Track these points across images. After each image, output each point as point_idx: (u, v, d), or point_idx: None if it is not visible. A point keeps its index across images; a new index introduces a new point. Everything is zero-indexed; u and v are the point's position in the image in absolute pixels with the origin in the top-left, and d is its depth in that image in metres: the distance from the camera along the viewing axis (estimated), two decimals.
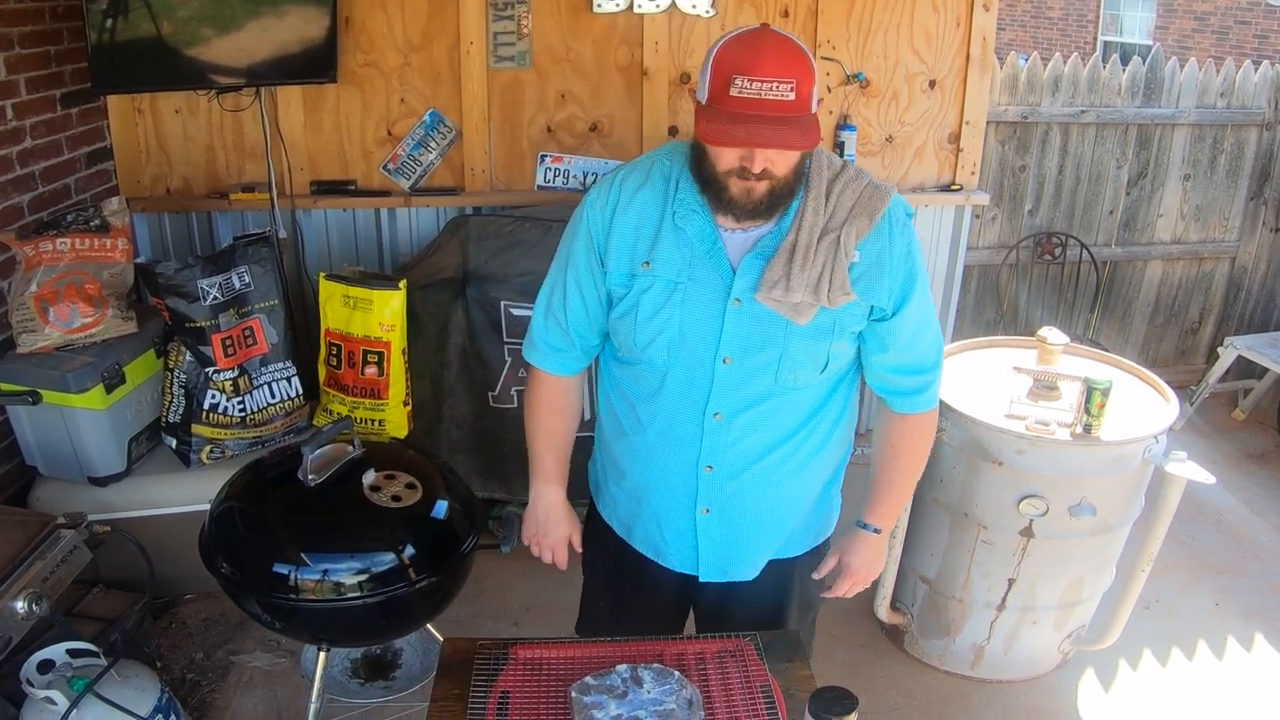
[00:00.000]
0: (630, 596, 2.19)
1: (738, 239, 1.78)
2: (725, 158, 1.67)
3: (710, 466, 1.91)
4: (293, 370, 3.39)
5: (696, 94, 1.70)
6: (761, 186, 1.68)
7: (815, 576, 2.12)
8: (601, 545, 2.19)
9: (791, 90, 1.59)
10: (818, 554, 2.14)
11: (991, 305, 5.00)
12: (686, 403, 1.87)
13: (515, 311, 3.39)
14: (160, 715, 2.45)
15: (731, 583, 2.06)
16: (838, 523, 2.18)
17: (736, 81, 1.59)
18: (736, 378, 1.83)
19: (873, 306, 1.82)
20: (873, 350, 1.90)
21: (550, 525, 2.13)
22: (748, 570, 2.05)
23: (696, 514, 1.97)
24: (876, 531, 2.07)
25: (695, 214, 1.78)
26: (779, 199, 1.72)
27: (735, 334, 1.80)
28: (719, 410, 1.85)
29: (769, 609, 2.11)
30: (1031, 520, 2.88)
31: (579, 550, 2.18)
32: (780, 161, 1.66)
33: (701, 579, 2.04)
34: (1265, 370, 4.84)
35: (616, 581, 2.21)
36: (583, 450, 2.22)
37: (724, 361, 1.81)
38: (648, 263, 1.81)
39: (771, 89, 1.59)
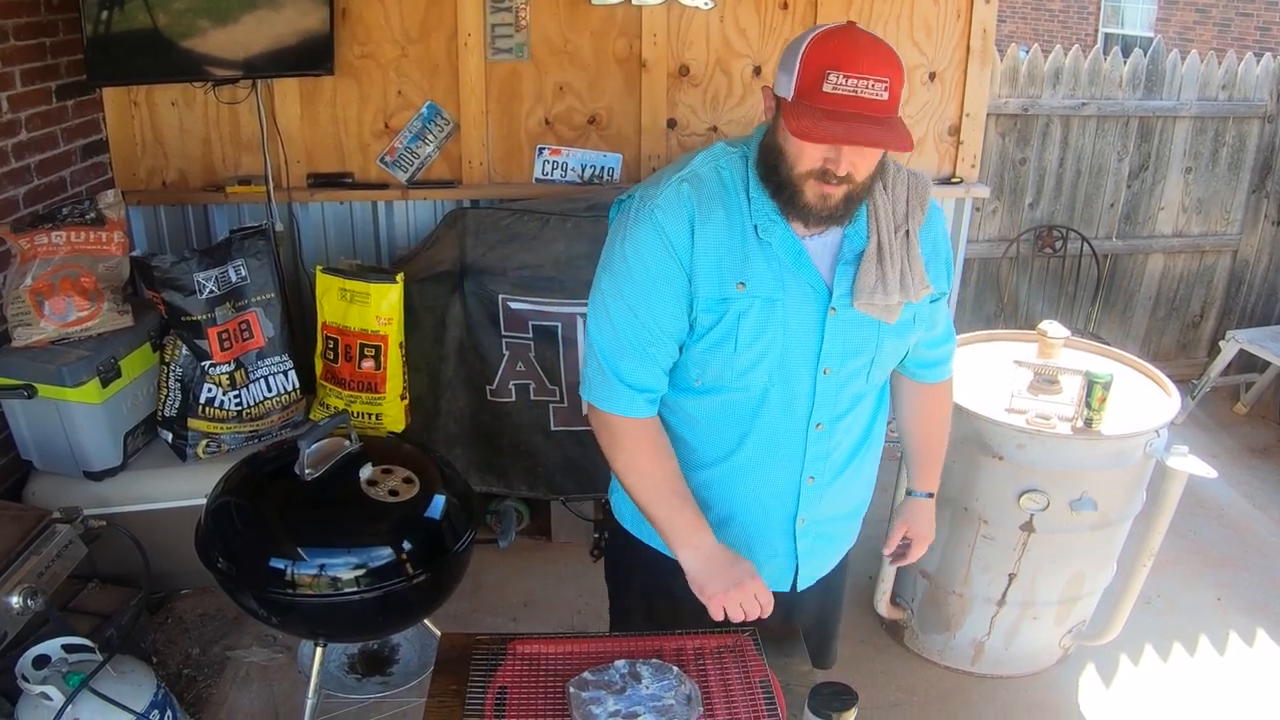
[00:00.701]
0: (675, 614, 2.00)
1: (816, 245, 1.72)
2: (807, 158, 1.59)
3: (813, 478, 1.89)
4: (289, 364, 3.37)
5: (776, 90, 1.62)
6: (839, 192, 1.61)
7: (886, 552, 2.16)
8: (645, 573, 2.04)
9: (886, 90, 1.53)
10: (847, 559, 2.17)
11: (992, 298, 4.99)
12: (789, 419, 1.81)
13: (513, 305, 3.37)
14: (156, 711, 2.45)
15: (789, 598, 2.02)
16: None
17: (831, 77, 1.52)
18: (836, 386, 1.80)
19: (935, 293, 1.84)
20: (921, 330, 1.91)
21: (737, 571, 1.78)
22: (830, 566, 2.08)
23: (795, 527, 1.94)
24: (930, 496, 2.14)
25: (776, 224, 1.69)
26: (854, 205, 1.66)
27: (834, 344, 1.75)
28: (821, 421, 1.82)
29: (822, 617, 2.15)
30: (1032, 515, 2.87)
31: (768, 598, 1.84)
32: (862, 165, 1.60)
33: (800, 589, 2.03)
34: (1267, 364, 4.84)
35: (663, 609, 2.05)
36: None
37: (824, 372, 1.77)
38: (743, 284, 1.69)
39: (868, 87, 1.52)
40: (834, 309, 1.72)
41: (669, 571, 1.88)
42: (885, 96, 1.52)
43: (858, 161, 1.58)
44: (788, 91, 1.57)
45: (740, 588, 1.76)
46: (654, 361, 1.77)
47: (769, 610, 1.78)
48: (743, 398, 1.79)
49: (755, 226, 1.69)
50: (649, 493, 1.82)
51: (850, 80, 1.51)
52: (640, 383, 1.78)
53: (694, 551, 1.79)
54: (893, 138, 1.53)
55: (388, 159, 3.94)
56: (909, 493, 2.16)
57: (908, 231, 1.74)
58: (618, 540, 2.11)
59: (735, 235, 1.69)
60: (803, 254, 1.70)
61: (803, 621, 2.06)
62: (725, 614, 1.76)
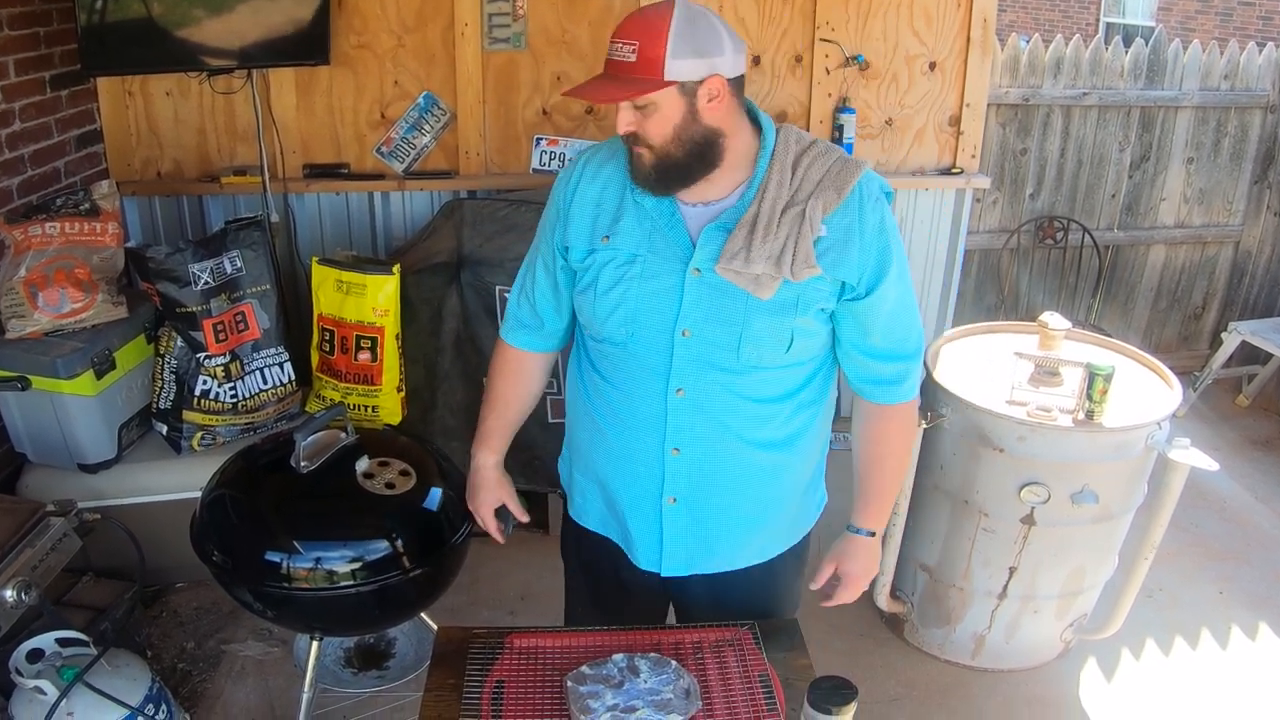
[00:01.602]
0: (610, 596, 2.16)
1: (698, 212, 1.78)
2: (618, 127, 1.73)
3: (677, 449, 1.87)
4: (285, 356, 3.36)
5: None
6: (646, 154, 1.71)
7: (813, 587, 2.07)
8: (577, 544, 2.17)
9: (634, 52, 1.64)
10: (798, 551, 2.10)
11: (992, 290, 4.99)
12: (648, 378, 1.84)
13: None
14: (151, 705, 2.44)
15: (715, 583, 2.02)
16: (823, 517, 2.14)
17: (609, 45, 1.70)
18: (697, 351, 1.80)
19: (844, 284, 1.77)
20: (849, 333, 1.85)
21: (475, 490, 2.14)
22: (715, 564, 2.00)
23: (663, 503, 1.93)
24: (871, 535, 2.02)
25: None
26: (669, 170, 1.72)
27: (694, 306, 1.77)
28: (681, 386, 1.82)
29: (753, 609, 2.05)
30: (1033, 508, 2.86)
31: (522, 519, 2.16)
32: (649, 128, 1.69)
33: (663, 574, 2.00)
34: (1269, 356, 4.83)
35: (595, 581, 2.19)
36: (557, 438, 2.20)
37: (683, 334, 1.79)
38: (608, 237, 1.82)
39: (618, 49, 1.66)
40: (697, 270, 1.76)
41: (608, 554, 2.07)
42: (633, 58, 1.65)
43: (637, 122, 1.69)
44: None
45: (470, 504, 2.16)
46: (531, 301, 2.01)
47: (494, 536, 2.15)
48: (611, 349, 1.88)
49: (632, 189, 1.80)
50: (483, 402, 2.13)
51: (612, 45, 1.68)
52: (520, 318, 2.05)
53: (473, 459, 2.14)
54: (609, 90, 1.67)
55: (384, 149, 3.94)
56: (847, 526, 2.04)
57: (804, 210, 1.74)
58: (567, 516, 2.19)
59: (613, 195, 1.84)
60: (675, 215, 1.78)
61: (728, 615, 2.02)
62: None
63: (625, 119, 1.69)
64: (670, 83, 1.64)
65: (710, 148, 1.72)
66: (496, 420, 2.11)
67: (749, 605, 2.04)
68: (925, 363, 3.05)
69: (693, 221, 1.78)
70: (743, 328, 1.77)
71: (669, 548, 1.97)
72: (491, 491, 2.13)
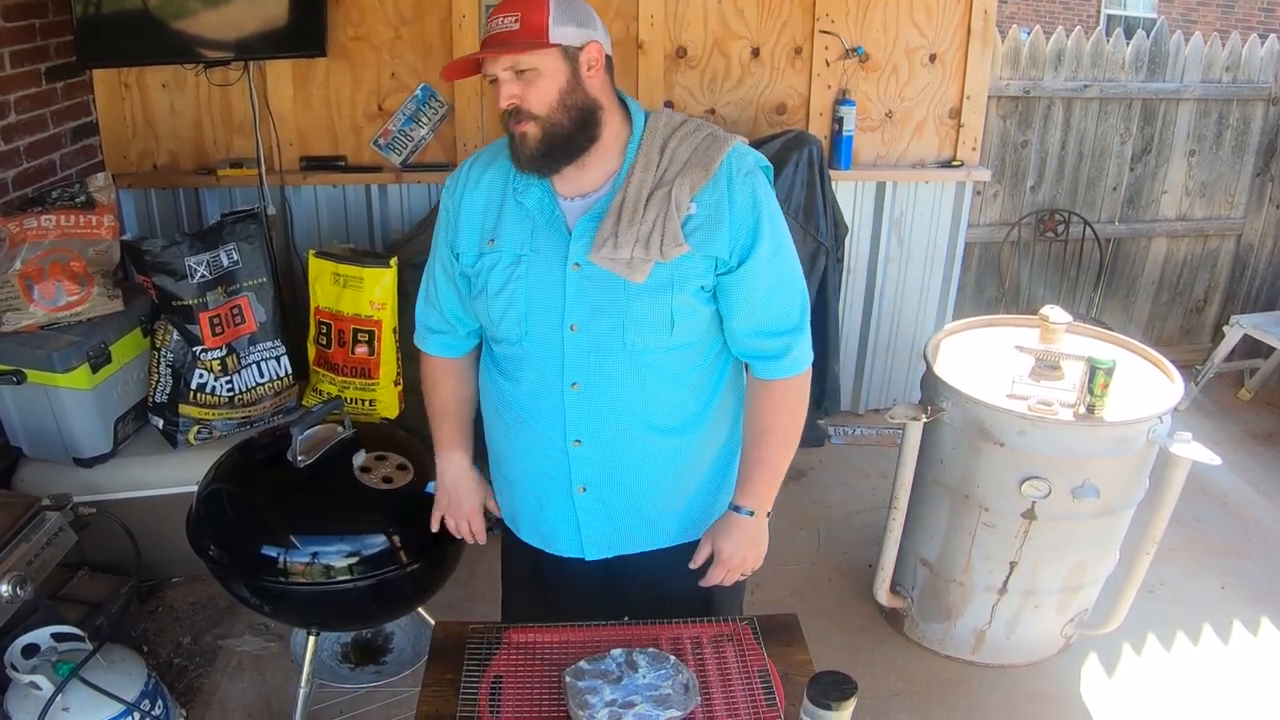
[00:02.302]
0: (545, 584, 2.16)
1: (577, 206, 1.81)
2: (498, 106, 1.73)
3: (578, 441, 1.90)
4: (281, 349, 3.36)
5: None
6: (529, 129, 1.71)
7: (691, 566, 1.98)
8: (512, 550, 2.19)
9: (516, 21, 1.67)
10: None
11: (993, 283, 4.97)
12: (545, 375, 1.87)
13: None
14: (147, 701, 2.44)
15: (653, 563, 2.03)
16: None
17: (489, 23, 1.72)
18: (586, 344, 1.82)
19: (716, 259, 1.79)
20: (727, 308, 1.85)
21: (459, 495, 2.10)
22: (634, 545, 2.02)
23: (574, 494, 1.95)
24: (750, 514, 1.94)
25: (534, 186, 1.81)
26: (557, 141, 1.73)
27: (578, 300, 1.80)
28: (576, 380, 1.85)
29: (684, 594, 2.03)
30: (1034, 502, 2.85)
31: (497, 513, 2.14)
32: (530, 96, 1.70)
33: (587, 558, 2.02)
34: (1271, 349, 4.81)
35: (532, 581, 2.18)
36: None
37: (571, 329, 1.81)
38: (493, 239, 1.84)
39: (500, 22, 1.68)
40: (576, 264, 1.78)
41: (527, 551, 2.09)
42: (515, 26, 1.67)
43: (520, 92, 1.70)
44: None
45: (454, 513, 2.10)
46: (436, 307, 2.02)
47: (479, 540, 2.12)
48: (509, 350, 1.91)
49: (514, 189, 1.83)
50: (428, 412, 2.10)
51: (492, 20, 1.70)
52: (428, 324, 2.06)
53: (440, 468, 2.10)
54: (506, 53, 1.67)
55: (381, 142, 3.93)
56: (729, 505, 1.97)
57: (670, 191, 1.75)
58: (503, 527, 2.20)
59: (495, 198, 1.86)
60: (555, 212, 1.80)
61: (672, 601, 2.02)
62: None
63: (508, 92, 1.70)
64: (554, 45, 1.68)
65: (592, 117, 1.75)
66: (450, 420, 2.09)
67: (692, 583, 2.00)
68: (926, 356, 3.06)
69: (570, 216, 1.81)
70: (625, 315, 1.79)
71: (586, 533, 2.00)
72: (473, 495, 2.11)
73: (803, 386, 1.95)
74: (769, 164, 1.88)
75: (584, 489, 1.95)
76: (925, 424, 2.94)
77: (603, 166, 1.80)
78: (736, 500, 1.96)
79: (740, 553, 1.95)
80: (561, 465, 1.93)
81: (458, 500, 2.10)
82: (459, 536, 2.15)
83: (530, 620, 1.96)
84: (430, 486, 2.35)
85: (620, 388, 1.85)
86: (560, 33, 1.68)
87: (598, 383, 1.85)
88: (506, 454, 2.04)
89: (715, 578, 1.97)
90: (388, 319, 3.28)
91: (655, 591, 2.05)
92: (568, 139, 1.74)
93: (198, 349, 3.16)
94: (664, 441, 1.92)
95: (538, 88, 1.69)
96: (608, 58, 1.77)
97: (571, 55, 1.70)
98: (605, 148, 1.79)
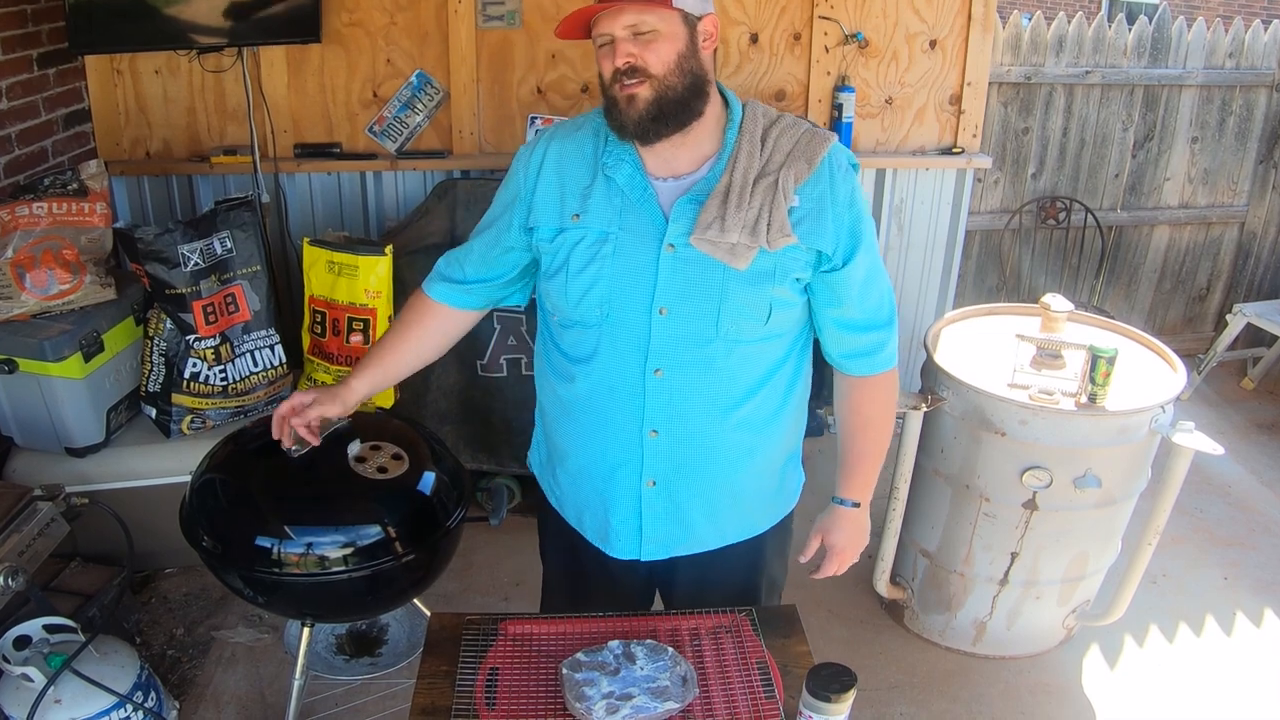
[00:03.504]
0: (590, 586, 2.13)
1: (670, 186, 1.78)
2: (604, 67, 1.69)
3: (655, 431, 1.86)
4: (276, 338, 3.35)
5: None
6: (643, 91, 1.67)
7: (802, 560, 2.08)
8: (556, 535, 2.15)
9: None
10: (782, 529, 2.10)
11: (994, 271, 4.96)
12: (625, 360, 1.82)
13: None
14: (140, 693, 2.44)
15: (699, 564, 2.02)
16: (803, 494, 2.14)
17: None
18: (675, 329, 1.78)
19: (819, 253, 1.78)
20: (825, 305, 1.86)
21: (309, 394, 2.04)
22: (693, 545, 2.00)
23: (642, 488, 1.92)
24: (856, 505, 2.02)
25: (625, 162, 1.77)
26: (668, 106, 1.69)
27: (670, 282, 1.76)
28: (660, 366, 1.81)
29: (737, 589, 2.07)
30: (1035, 492, 2.84)
31: (313, 441, 2.06)
32: (649, 56, 1.66)
33: (643, 559, 1.99)
34: (1275, 338, 4.82)
35: (574, 572, 2.16)
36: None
37: (660, 312, 1.77)
38: (577, 215, 1.80)
39: None
40: (671, 245, 1.75)
41: (589, 547, 2.04)
42: None
43: (639, 52, 1.66)
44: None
45: (281, 406, 2.04)
46: (461, 261, 1.97)
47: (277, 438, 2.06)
48: (583, 333, 1.85)
49: (603, 165, 1.79)
50: (376, 341, 2.07)
51: None
52: (443, 271, 2.00)
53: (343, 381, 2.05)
54: (627, 6, 1.63)
55: (376, 129, 3.91)
56: (832, 498, 2.05)
57: (776, 180, 1.73)
58: (546, 512, 2.18)
59: (583, 173, 1.81)
60: (647, 190, 1.76)
61: (713, 597, 2.02)
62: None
63: (625, 50, 1.66)
64: (677, 9, 1.66)
65: (703, 89, 1.72)
66: (379, 361, 2.04)
67: (734, 585, 2.05)
68: (926, 345, 3.04)
69: (664, 197, 1.77)
70: (720, 300, 1.76)
71: (648, 532, 1.96)
72: (300, 396, 2.03)
73: (895, 381, 1.99)
74: (858, 163, 1.87)
75: (653, 483, 1.91)
76: (925, 413, 2.94)
77: (699, 149, 1.77)
78: (842, 493, 2.02)
79: (852, 544, 2.04)
80: (633, 457, 1.89)
81: (310, 397, 2.03)
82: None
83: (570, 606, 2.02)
84: (426, 480, 2.34)
85: (705, 376, 1.82)
86: None
87: (682, 370, 1.81)
88: (572, 447, 1.98)
89: (830, 570, 2.06)
90: (383, 307, 3.27)
91: (697, 591, 2.05)
92: (679, 104, 1.70)
93: (191, 338, 3.15)
94: (741, 436, 1.89)
95: (656, 48, 1.66)
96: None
97: (691, 22, 1.68)
98: (705, 127, 1.75)
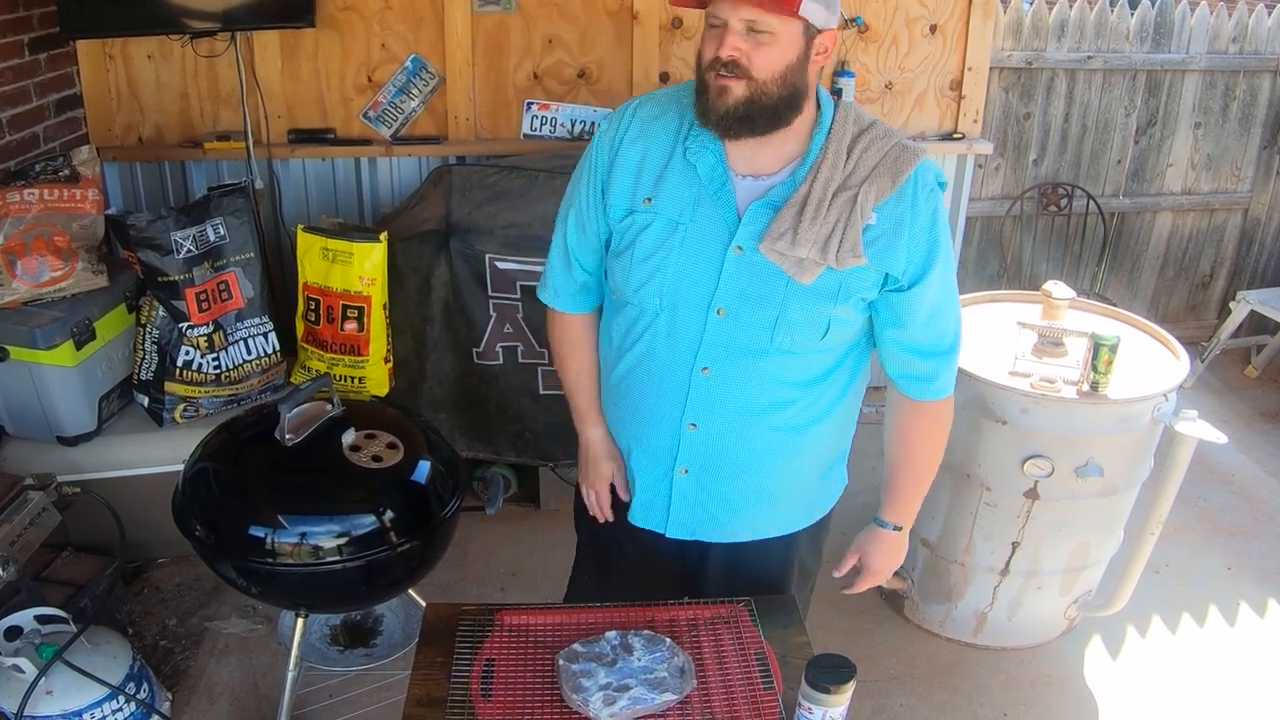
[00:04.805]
0: (623, 565, 2.14)
1: (749, 186, 1.73)
2: (707, 51, 1.64)
3: (694, 425, 1.85)
4: (269, 326, 3.33)
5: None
6: (739, 87, 1.61)
7: (836, 575, 2.10)
8: (589, 524, 2.16)
9: None
10: (819, 529, 2.09)
11: (994, 258, 4.94)
12: (675, 353, 1.81)
13: (500, 265, 3.32)
14: (132, 684, 2.44)
15: (732, 552, 2.01)
16: (842, 499, 2.14)
17: None
18: (729, 332, 1.76)
19: (887, 275, 1.74)
20: (886, 324, 1.82)
21: (590, 466, 2.07)
22: (721, 535, 1.99)
23: (675, 475, 1.92)
24: (898, 529, 2.03)
25: (709, 151, 1.72)
26: (759, 109, 1.63)
27: (732, 284, 1.73)
28: (708, 365, 1.79)
29: (768, 581, 2.06)
30: (1036, 481, 2.83)
31: (624, 497, 2.06)
32: (757, 57, 1.60)
33: (669, 535, 2.00)
34: (1279, 325, 4.79)
35: (609, 550, 2.16)
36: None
37: (718, 313, 1.75)
38: (650, 199, 1.76)
39: None
40: (739, 248, 1.72)
41: (612, 527, 2.06)
42: None
43: (748, 50, 1.60)
44: None
45: (586, 482, 2.08)
46: (567, 259, 1.92)
47: (605, 516, 2.07)
48: (639, 317, 1.83)
49: (686, 149, 1.74)
50: (560, 377, 2.08)
51: None
52: (557, 277, 1.96)
53: (580, 439, 2.08)
54: (749, 2, 1.56)
55: (371, 114, 3.90)
56: (874, 518, 2.05)
57: (856, 196, 1.69)
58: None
59: (660, 155, 1.76)
60: (726, 185, 1.72)
61: (744, 587, 2.00)
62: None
63: (733, 42, 1.59)
64: (802, 19, 1.59)
65: (797, 100, 1.66)
66: (584, 393, 2.05)
67: (766, 577, 2.05)
68: None
69: (741, 195, 1.73)
70: (780, 311, 1.73)
71: (675, 514, 1.96)
72: (607, 466, 2.05)
73: (949, 409, 1.96)
74: (946, 180, 1.83)
75: (686, 471, 1.91)
76: None
77: (784, 149, 1.72)
78: (885, 516, 2.02)
79: (889, 566, 2.06)
80: (669, 446, 1.90)
81: (586, 472, 2.08)
82: (591, 514, 2.12)
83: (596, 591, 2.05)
84: (422, 469, 2.34)
85: (752, 380, 1.80)
86: (810, 8, 1.59)
87: (730, 372, 1.79)
88: (616, 422, 2.01)
89: (862, 587, 2.08)
90: (377, 295, 3.25)
91: (728, 578, 2.04)
92: (770, 112, 1.64)
93: (184, 325, 3.13)
94: (782, 438, 1.88)
95: (767, 51, 1.60)
96: None
97: (810, 34, 1.62)
98: (793, 130, 1.70)
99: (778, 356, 1.78)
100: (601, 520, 2.08)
